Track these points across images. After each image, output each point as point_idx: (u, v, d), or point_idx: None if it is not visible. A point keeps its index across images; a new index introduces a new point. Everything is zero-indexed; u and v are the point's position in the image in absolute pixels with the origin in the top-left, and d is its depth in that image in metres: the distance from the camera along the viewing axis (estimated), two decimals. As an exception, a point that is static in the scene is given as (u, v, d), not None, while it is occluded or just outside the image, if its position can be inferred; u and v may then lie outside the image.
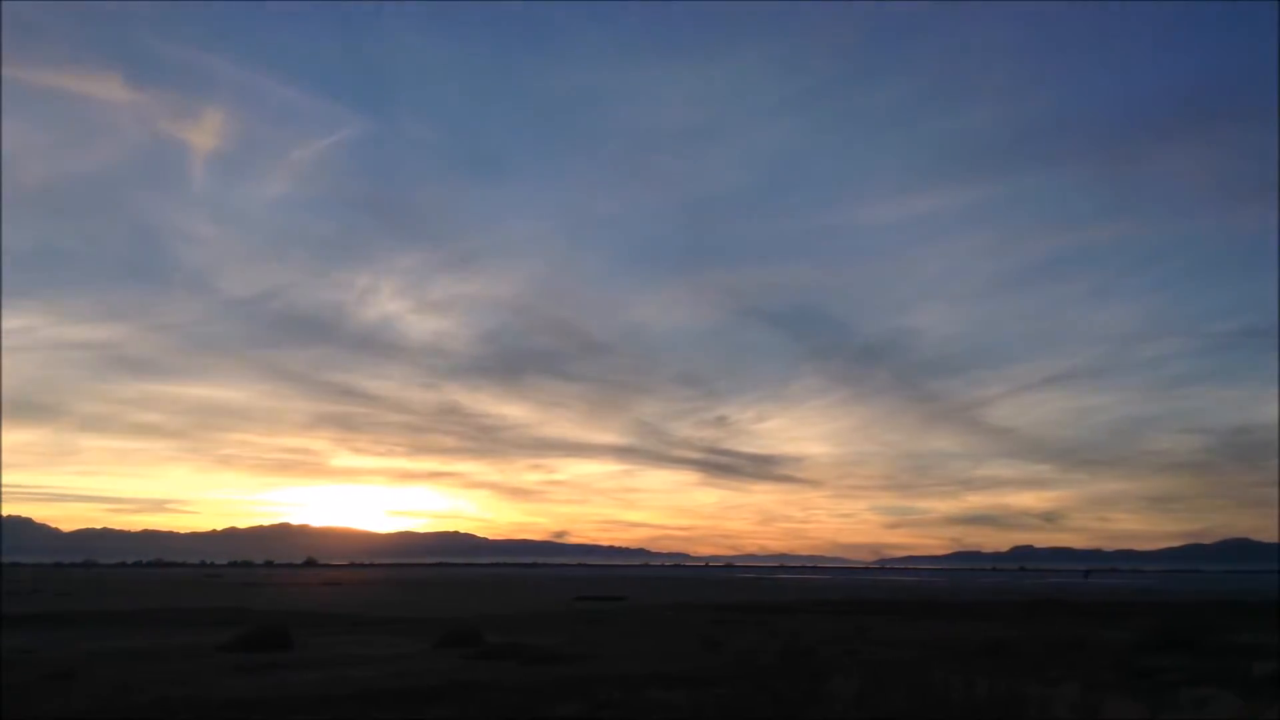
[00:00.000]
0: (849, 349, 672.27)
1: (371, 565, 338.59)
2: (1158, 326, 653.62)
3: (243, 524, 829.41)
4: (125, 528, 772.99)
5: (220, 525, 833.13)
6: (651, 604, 62.88)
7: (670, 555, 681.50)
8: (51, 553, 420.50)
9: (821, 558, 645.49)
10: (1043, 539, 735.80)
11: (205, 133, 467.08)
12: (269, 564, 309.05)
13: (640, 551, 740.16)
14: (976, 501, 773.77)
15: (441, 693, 18.84)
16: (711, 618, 45.39)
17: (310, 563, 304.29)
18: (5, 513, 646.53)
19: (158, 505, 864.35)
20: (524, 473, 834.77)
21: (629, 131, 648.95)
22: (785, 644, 28.49)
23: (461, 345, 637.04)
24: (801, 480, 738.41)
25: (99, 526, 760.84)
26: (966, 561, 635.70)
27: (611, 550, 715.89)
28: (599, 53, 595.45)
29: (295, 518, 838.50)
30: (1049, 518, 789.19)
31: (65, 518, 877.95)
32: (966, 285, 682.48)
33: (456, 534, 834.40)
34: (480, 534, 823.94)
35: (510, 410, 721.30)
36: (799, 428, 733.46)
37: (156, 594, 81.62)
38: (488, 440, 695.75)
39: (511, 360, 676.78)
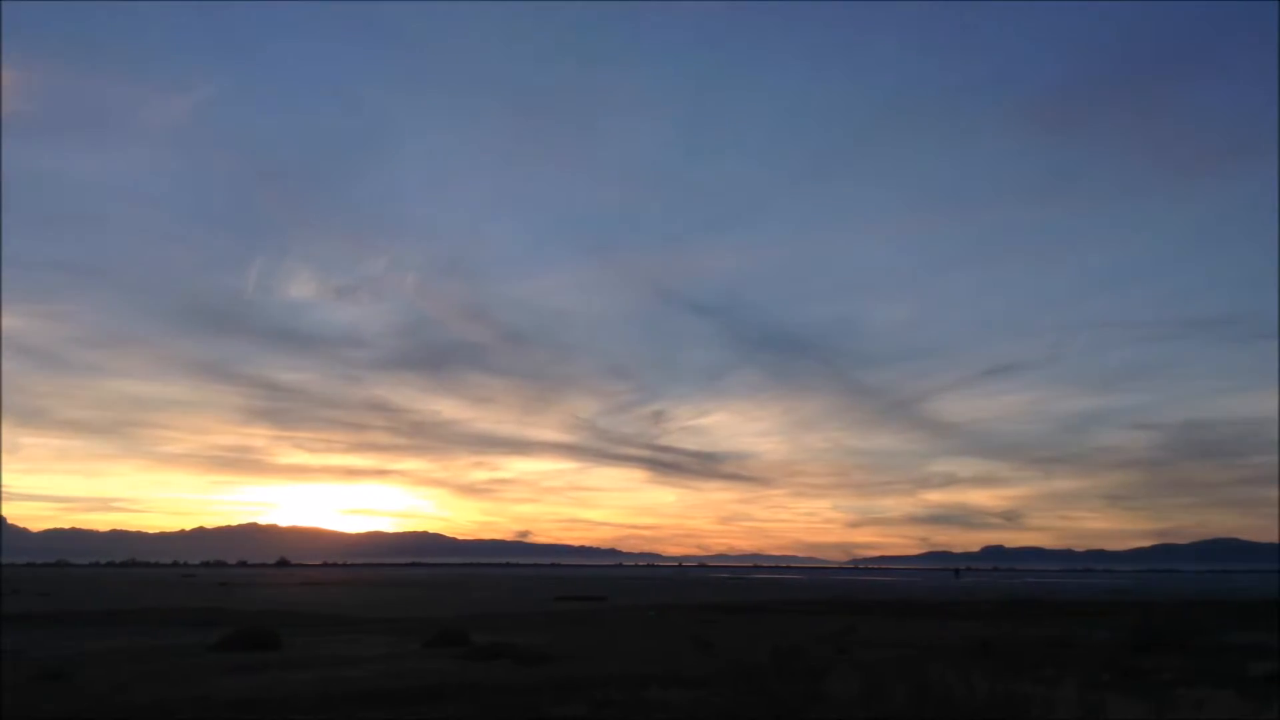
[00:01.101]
0: (780, 340, 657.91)
1: (345, 565, 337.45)
2: (1094, 317, 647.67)
3: (209, 524, 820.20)
4: (92, 527, 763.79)
5: (188, 525, 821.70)
6: (632, 604, 62.83)
7: (642, 555, 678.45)
8: (21, 553, 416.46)
9: (794, 558, 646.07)
10: (1013, 539, 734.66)
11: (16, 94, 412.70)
12: (242, 564, 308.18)
13: (611, 551, 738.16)
14: (935, 499, 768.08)
15: (442, 693, 18.78)
16: (696, 618, 45.44)
17: (283, 563, 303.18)
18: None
19: (104, 504, 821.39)
20: (469, 470, 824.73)
21: (530, 102, 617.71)
22: (776, 644, 28.52)
23: (378, 336, 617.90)
24: (752, 479, 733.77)
25: (67, 526, 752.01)
26: (939, 561, 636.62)
27: (582, 550, 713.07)
28: (501, 17, 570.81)
29: (248, 517, 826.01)
30: (1010, 516, 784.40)
31: (21, 517, 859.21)
32: (893, 271, 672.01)
33: (425, 534, 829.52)
34: (448, 534, 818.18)
35: (441, 405, 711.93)
36: (741, 424, 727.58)
37: (136, 594, 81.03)
38: (424, 437, 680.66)
39: (432, 352, 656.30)
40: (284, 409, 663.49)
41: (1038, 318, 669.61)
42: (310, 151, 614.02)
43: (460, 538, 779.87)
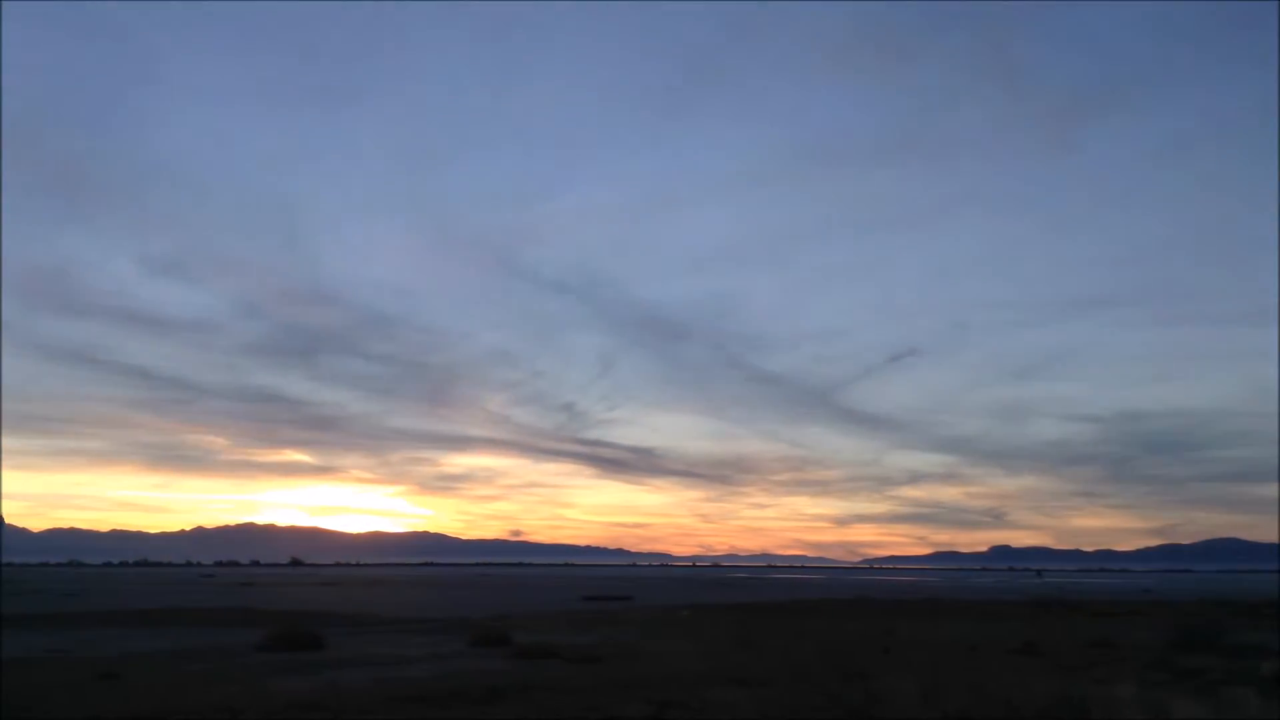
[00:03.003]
0: (658, 322, 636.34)
1: (359, 565, 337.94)
2: (980, 296, 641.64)
3: (209, 524, 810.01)
4: (93, 527, 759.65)
5: (187, 525, 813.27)
6: (661, 604, 62.75)
7: (654, 555, 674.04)
8: (24, 552, 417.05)
9: (804, 558, 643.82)
10: (1018, 538, 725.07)
11: None
12: (255, 564, 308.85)
13: (619, 551, 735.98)
14: (911, 496, 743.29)
15: (503, 693, 18.76)
16: (730, 618, 45.37)
17: (296, 563, 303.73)
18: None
19: (62, 501, 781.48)
20: (409, 467, 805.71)
21: (321, 40, 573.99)
22: (821, 644, 28.51)
23: (229, 319, 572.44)
24: (705, 476, 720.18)
25: (67, 526, 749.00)
26: (948, 561, 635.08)
27: (589, 549, 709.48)
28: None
29: (211, 517, 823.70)
30: (996, 515, 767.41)
31: (20, 516, 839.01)
32: (751, 243, 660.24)
33: (427, 534, 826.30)
34: (450, 534, 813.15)
35: (338, 397, 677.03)
36: (663, 417, 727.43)
37: (162, 594, 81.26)
38: (341, 431, 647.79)
39: (296, 337, 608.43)
40: (179, 400, 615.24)
41: (920, 296, 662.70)
42: (74, 94, 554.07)
43: (464, 538, 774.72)
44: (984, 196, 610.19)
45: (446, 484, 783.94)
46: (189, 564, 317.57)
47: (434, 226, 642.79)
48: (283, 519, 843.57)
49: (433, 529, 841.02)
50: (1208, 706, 16.81)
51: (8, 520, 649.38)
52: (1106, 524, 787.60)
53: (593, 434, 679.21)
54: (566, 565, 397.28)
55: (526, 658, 26.25)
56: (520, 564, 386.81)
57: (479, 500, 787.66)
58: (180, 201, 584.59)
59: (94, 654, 28.12)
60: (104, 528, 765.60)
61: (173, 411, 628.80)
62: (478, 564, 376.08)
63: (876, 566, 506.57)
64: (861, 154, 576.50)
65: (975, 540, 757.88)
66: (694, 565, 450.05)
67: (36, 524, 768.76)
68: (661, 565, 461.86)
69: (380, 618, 46.85)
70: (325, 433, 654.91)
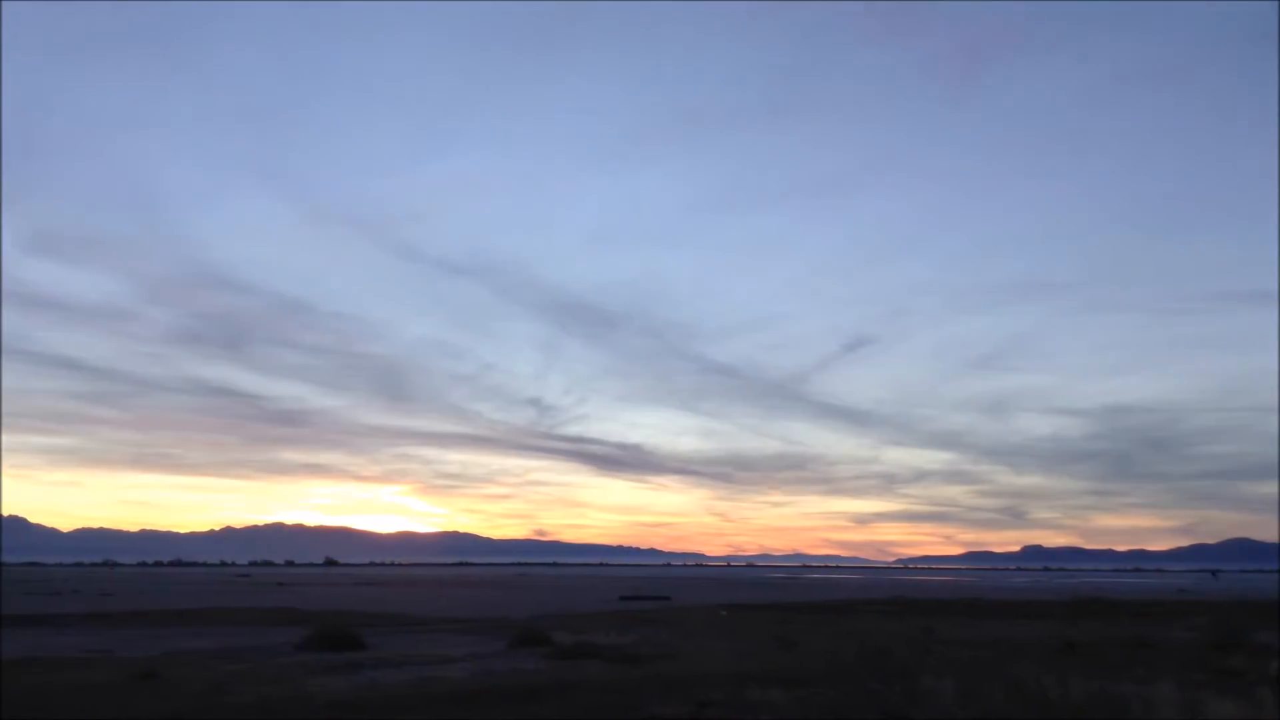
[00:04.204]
0: (581, 309, 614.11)
1: (393, 565, 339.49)
2: (914, 278, 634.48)
3: (238, 523, 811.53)
4: (122, 527, 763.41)
5: (217, 525, 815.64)
6: (700, 604, 62.67)
7: (689, 555, 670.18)
8: (54, 552, 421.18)
9: (837, 558, 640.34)
10: (1049, 538, 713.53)
11: None
12: (289, 563, 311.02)
13: (652, 551, 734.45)
14: (926, 494, 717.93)
15: (542, 693, 18.85)
16: (770, 618, 45.35)
17: (331, 562, 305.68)
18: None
19: (51, 498, 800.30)
20: (400, 465, 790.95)
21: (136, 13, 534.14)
22: (862, 643, 28.43)
23: (137, 306, 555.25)
24: (706, 475, 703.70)
25: (96, 526, 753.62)
26: (981, 561, 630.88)
27: (623, 550, 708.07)
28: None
29: (198, 517, 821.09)
30: (1017, 514, 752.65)
31: (48, 515, 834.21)
32: (647, 215, 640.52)
33: (456, 534, 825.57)
34: (481, 534, 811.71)
35: (292, 390, 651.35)
36: (631, 412, 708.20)
37: (198, 594, 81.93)
38: (310, 426, 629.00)
39: (214, 327, 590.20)
40: (124, 393, 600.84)
41: (849, 278, 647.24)
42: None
43: (494, 537, 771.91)
44: (893, 159, 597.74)
45: (450, 483, 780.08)
46: (223, 564, 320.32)
47: (301, 199, 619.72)
48: (296, 519, 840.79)
49: (461, 529, 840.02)
50: (1244, 707, 16.72)
51: (34, 520, 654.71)
52: (1131, 523, 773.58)
53: (573, 430, 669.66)
54: (601, 565, 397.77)
55: (566, 658, 26.28)
56: (554, 564, 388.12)
57: (489, 499, 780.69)
58: (30, 174, 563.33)
59: (134, 653, 28.33)
60: (133, 528, 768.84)
61: (127, 406, 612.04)
62: (512, 564, 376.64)
63: (910, 566, 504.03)
64: (752, 113, 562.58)
65: (1005, 540, 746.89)
66: (728, 565, 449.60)
67: (66, 524, 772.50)
68: (696, 565, 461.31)
69: (418, 618, 47.08)
70: (296, 428, 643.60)
